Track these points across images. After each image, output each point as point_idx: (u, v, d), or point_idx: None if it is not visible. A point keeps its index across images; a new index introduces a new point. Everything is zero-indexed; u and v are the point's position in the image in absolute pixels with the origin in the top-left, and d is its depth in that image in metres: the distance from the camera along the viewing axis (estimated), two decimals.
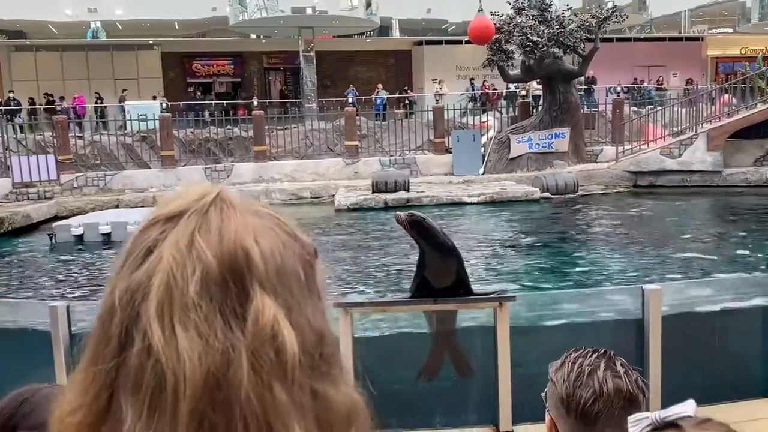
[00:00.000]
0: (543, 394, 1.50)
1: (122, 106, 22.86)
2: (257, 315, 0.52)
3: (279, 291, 0.54)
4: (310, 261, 0.59)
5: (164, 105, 22.61)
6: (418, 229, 3.66)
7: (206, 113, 23.15)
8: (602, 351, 1.43)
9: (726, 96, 18.75)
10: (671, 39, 32.77)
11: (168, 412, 0.49)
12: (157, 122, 19.36)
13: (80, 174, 17.90)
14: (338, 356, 0.58)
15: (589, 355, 1.41)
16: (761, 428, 4.00)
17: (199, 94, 29.18)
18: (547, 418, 1.44)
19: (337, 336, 0.61)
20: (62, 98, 24.60)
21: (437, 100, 24.01)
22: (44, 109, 23.81)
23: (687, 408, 1.07)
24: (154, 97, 24.72)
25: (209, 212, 0.55)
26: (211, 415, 0.49)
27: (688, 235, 11.93)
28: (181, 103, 23.84)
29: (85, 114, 23.16)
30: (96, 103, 24.30)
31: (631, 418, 1.11)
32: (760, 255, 10.08)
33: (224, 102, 24.98)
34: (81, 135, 20.09)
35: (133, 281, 0.53)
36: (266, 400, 0.50)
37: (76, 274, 10.45)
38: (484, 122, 20.61)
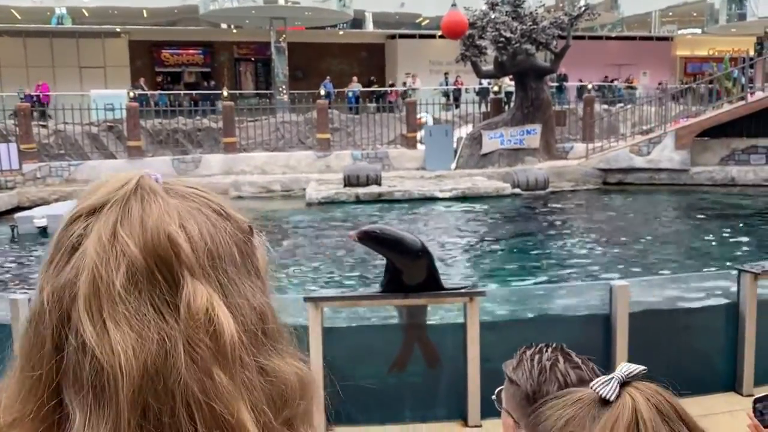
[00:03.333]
0: (494, 397, 1.45)
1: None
2: (188, 302, 0.52)
3: (211, 274, 0.54)
4: (244, 239, 0.58)
5: (132, 95, 22.10)
6: (376, 242, 3.56)
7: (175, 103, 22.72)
8: (554, 345, 1.42)
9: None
10: (642, 38, 33.27)
11: (112, 405, 0.49)
12: (124, 111, 18.95)
13: (44, 164, 17.41)
14: (281, 330, 0.58)
15: (544, 350, 1.40)
16: (722, 421, 4.06)
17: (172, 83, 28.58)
18: (508, 420, 1.38)
19: (276, 310, 0.60)
20: None
21: (410, 95, 23.97)
22: None
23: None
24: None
25: (130, 201, 0.54)
26: (153, 404, 0.50)
27: (656, 232, 12.12)
28: (148, 92, 23.35)
29: (50, 102, 22.51)
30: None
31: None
32: (723, 252, 10.28)
33: (193, 92, 24.54)
34: (45, 124, 19.55)
35: (60, 281, 0.53)
36: (207, 385, 0.51)
37: (38, 267, 10.15)
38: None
